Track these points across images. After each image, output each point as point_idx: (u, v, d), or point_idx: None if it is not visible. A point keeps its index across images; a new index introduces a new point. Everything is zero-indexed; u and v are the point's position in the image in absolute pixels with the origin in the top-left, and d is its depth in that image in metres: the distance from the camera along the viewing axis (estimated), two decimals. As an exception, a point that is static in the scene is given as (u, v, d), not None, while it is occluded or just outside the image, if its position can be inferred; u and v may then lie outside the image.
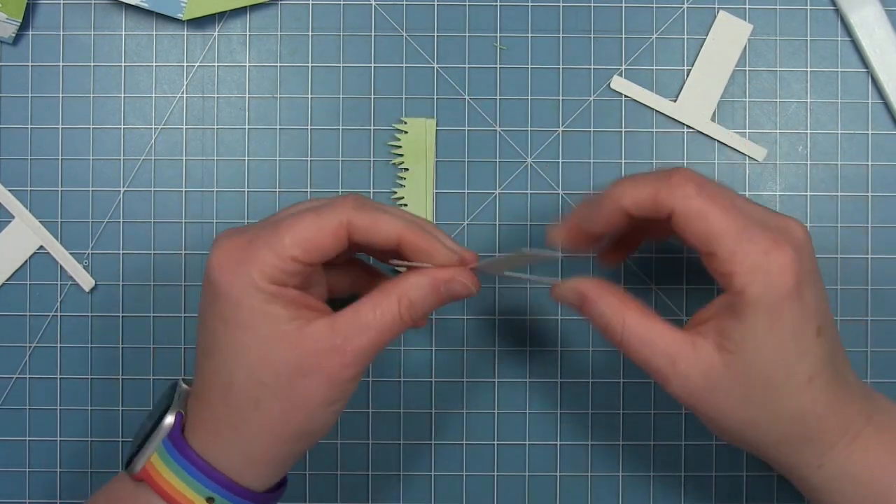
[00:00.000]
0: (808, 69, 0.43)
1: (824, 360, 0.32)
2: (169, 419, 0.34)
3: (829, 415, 0.33)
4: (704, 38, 0.43)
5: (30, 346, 0.43)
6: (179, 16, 0.42)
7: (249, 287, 0.32)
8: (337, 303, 0.35)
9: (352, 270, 0.38)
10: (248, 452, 0.33)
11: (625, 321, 0.33)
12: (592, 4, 0.43)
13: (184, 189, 0.43)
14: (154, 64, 0.43)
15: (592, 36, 0.43)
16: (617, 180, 0.34)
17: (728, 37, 0.43)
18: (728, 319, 0.32)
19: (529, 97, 0.43)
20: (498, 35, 0.43)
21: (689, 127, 0.43)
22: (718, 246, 0.31)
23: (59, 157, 0.43)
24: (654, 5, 0.43)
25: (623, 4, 0.43)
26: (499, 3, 0.43)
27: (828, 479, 0.33)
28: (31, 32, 0.43)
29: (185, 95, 0.43)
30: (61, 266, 0.43)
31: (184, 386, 0.35)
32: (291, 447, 0.33)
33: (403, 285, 0.33)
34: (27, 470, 0.43)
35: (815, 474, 0.33)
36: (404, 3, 0.43)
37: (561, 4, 0.43)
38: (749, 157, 0.43)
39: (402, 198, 0.43)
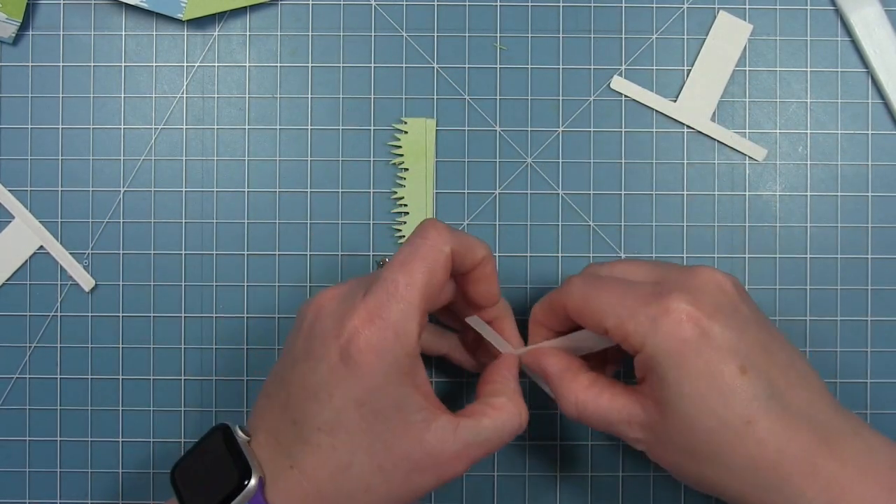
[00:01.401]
0: (808, 69, 0.43)
1: (761, 396, 0.31)
2: (253, 482, 0.31)
3: (785, 460, 0.30)
4: (704, 38, 0.43)
5: (30, 346, 0.43)
6: (179, 16, 0.42)
7: (394, 368, 0.31)
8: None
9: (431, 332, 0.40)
10: None
11: (578, 398, 0.34)
12: (592, 4, 0.43)
13: (184, 189, 0.43)
14: (154, 64, 0.43)
15: (592, 36, 0.43)
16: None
17: (728, 37, 0.43)
18: (648, 375, 0.32)
19: (529, 97, 0.43)
20: (498, 35, 0.43)
21: (689, 127, 0.43)
22: (605, 321, 0.33)
23: (59, 157, 0.43)
24: (654, 5, 0.43)
25: (623, 4, 0.43)
26: (499, 3, 0.43)
27: None
28: (31, 32, 0.43)
29: (185, 95, 0.43)
30: (61, 266, 0.43)
31: (241, 436, 0.33)
32: None
33: (521, 400, 0.35)
34: (27, 470, 0.43)
35: None
36: (404, 3, 0.43)
37: (561, 4, 0.43)
38: (749, 157, 0.43)
39: (402, 198, 0.43)
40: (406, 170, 0.43)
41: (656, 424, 0.32)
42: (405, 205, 0.43)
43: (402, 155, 0.43)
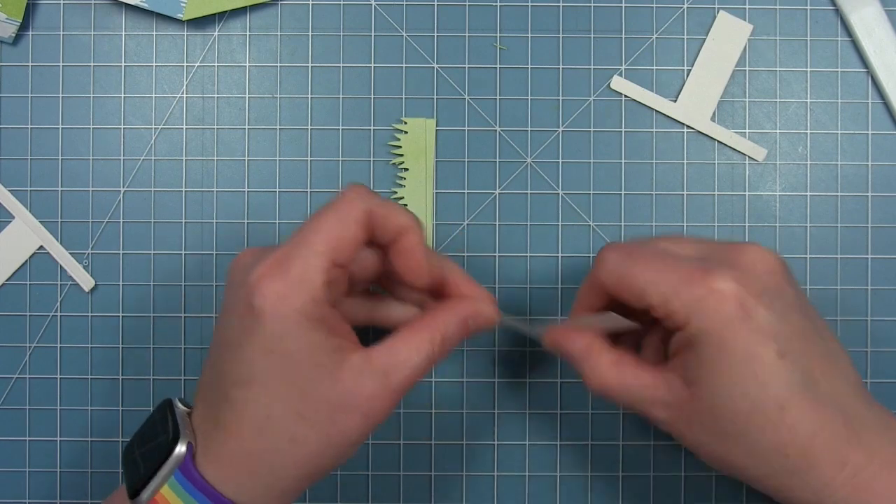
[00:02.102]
0: (808, 69, 0.43)
1: (796, 383, 0.31)
2: (181, 449, 0.32)
3: (815, 448, 0.31)
4: (704, 38, 0.43)
5: (30, 346, 0.43)
6: (179, 16, 0.42)
7: (296, 313, 0.31)
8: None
9: (367, 300, 0.38)
10: (273, 487, 0.32)
11: (602, 377, 0.34)
12: (592, 4, 0.43)
13: (184, 189, 0.43)
14: (154, 64, 0.43)
15: (592, 36, 0.43)
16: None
17: (728, 37, 0.43)
18: (684, 353, 0.32)
19: (529, 97, 0.43)
20: (498, 35, 0.43)
21: (689, 127, 0.43)
22: (650, 296, 0.32)
23: (59, 157, 0.43)
24: (654, 5, 0.43)
25: (623, 4, 0.43)
26: (499, 3, 0.43)
27: None
28: (31, 32, 0.43)
29: (185, 95, 0.43)
30: (61, 266, 0.43)
31: (181, 407, 0.34)
32: (316, 479, 0.33)
33: (436, 323, 0.34)
34: (27, 470, 0.43)
35: None
36: (404, 3, 0.43)
37: (561, 4, 0.43)
38: (749, 157, 0.43)
39: (403, 198, 0.43)
40: (406, 170, 0.43)
41: (683, 404, 0.32)
42: (405, 205, 0.43)
43: (401, 155, 0.43)
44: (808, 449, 0.31)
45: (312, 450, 0.32)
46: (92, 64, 0.43)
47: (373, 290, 0.38)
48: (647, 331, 0.37)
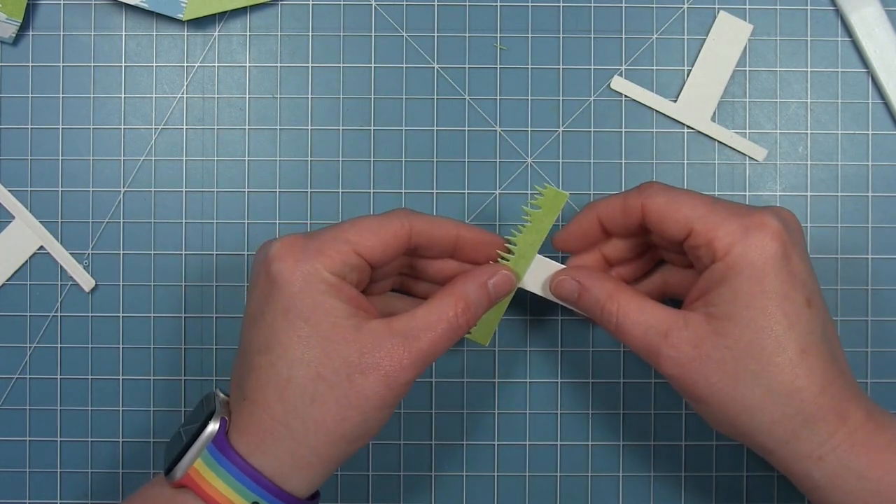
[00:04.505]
0: (808, 69, 0.43)
1: (817, 333, 0.32)
2: (213, 426, 0.33)
3: (825, 397, 0.32)
4: (704, 38, 0.43)
5: (30, 346, 0.43)
6: (179, 16, 0.42)
7: (312, 276, 0.32)
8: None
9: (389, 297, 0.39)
10: (298, 453, 0.32)
11: (619, 305, 0.34)
12: (592, 4, 0.43)
13: (184, 189, 0.43)
14: (154, 64, 0.43)
15: (592, 36, 0.43)
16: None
17: (728, 37, 0.43)
18: (715, 288, 0.32)
19: (529, 97, 0.43)
20: (498, 35, 0.43)
21: (689, 127, 0.43)
22: (695, 222, 0.33)
23: (59, 157, 0.43)
24: (654, 5, 0.43)
25: (623, 4, 0.43)
26: (499, 3, 0.43)
27: (830, 475, 0.32)
28: (31, 32, 0.43)
29: (185, 96, 0.43)
30: (61, 266, 0.43)
31: (221, 395, 0.35)
32: (342, 449, 0.33)
33: (456, 289, 0.34)
34: (27, 470, 0.43)
35: (817, 468, 0.32)
36: (404, 3, 0.43)
37: (561, 4, 0.43)
38: (749, 157, 0.43)
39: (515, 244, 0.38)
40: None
41: (701, 337, 0.32)
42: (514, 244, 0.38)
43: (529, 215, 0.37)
44: (820, 397, 0.32)
45: (332, 411, 0.32)
46: (92, 64, 0.43)
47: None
48: (647, 275, 0.39)
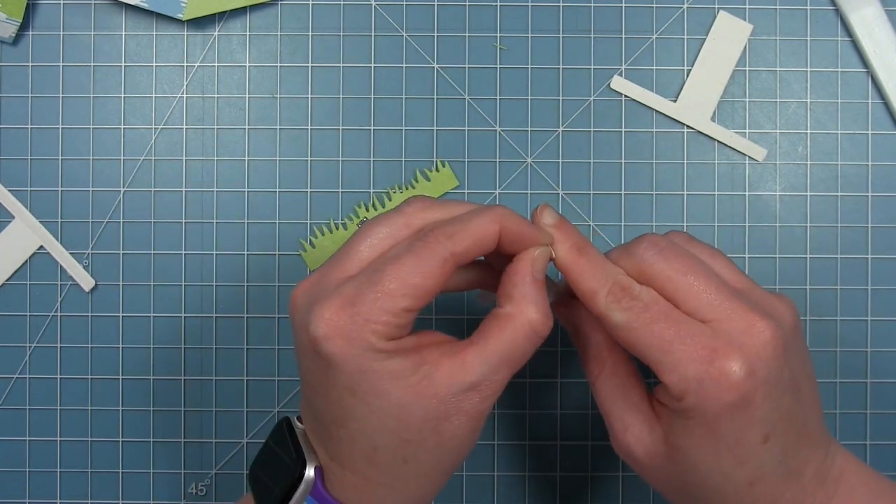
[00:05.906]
0: (808, 69, 0.43)
1: (771, 463, 0.31)
2: (310, 473, 0.31)
3: None
4: (704, 38, 0.43)
5: (30, 346, 0.43)
6: (179, 16, 0.42)
7: (368, 352, 0.29)
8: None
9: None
10: (404, 499, 0.32)
11: (602, 370, 0.33)
12: (592, 4, 0.43)
13: (184, 189, 0.43)
14: (154, 64, 0.43)
15: (592, 36, 0.43)
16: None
17: (728, 37, 0.43)
18: (675, 416, 0.31)
19: (529, 97, 0.43)
20: (498, 35, 0.43)
21: (689, 127, 0.43)
22: (650, 356, 0.31)
23: (59, 157, 0.43)
24: (654, 5, 0.43)
25: (623, 4, 0.43)
26: (499, 3, 0.43)
27: None
28: (31, 32, 0.43)
29: (185, 95, 0.43)
30: (61, 266, 0.43)
31: (300, 426, 0.33)
32: (443, 483, 0.32)
33: (526, 305, 0.31)
34: (27, 470, 0.43)
35: None
36: (404, 3, 0.43)
37: (561, 4, 0.43)
38: (749, 157, 0.43)
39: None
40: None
41: (655, 453, 0.32)
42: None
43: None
44: None
45: (428, 464, 0.31)
46: (92, 64, 0.43)
47: None
48: None
